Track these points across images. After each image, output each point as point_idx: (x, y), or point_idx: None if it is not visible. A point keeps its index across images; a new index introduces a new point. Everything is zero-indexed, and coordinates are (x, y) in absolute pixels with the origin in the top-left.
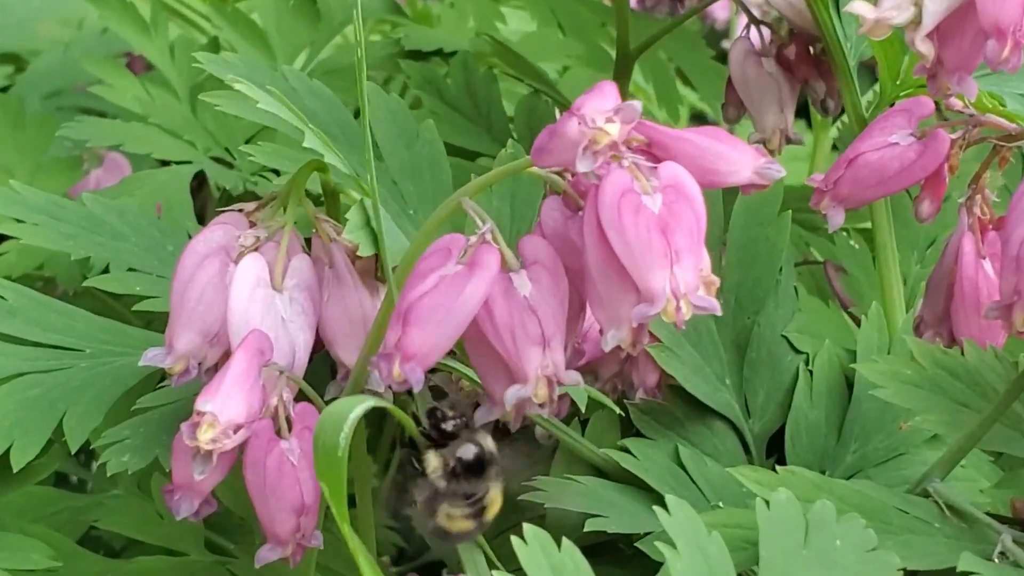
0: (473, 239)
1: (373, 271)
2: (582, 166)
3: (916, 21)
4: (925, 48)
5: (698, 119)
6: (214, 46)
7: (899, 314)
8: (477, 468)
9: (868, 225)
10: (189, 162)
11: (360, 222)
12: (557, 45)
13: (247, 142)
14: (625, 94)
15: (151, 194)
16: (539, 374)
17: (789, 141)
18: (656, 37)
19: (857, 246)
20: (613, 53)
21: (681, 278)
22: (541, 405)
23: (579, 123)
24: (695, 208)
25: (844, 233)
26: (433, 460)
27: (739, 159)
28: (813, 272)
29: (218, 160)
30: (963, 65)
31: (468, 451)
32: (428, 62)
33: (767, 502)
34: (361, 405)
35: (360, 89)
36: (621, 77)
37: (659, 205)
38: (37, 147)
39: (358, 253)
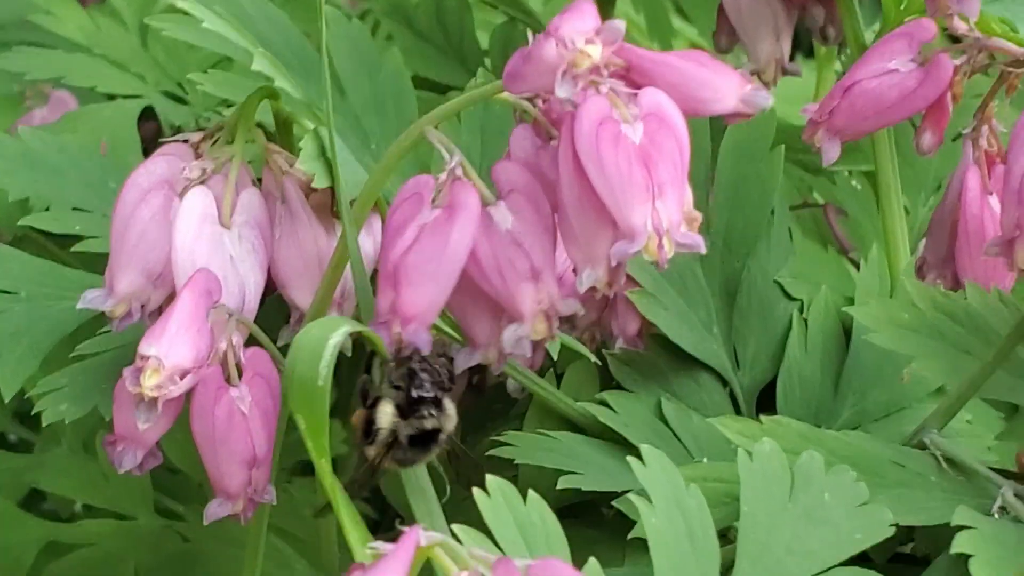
0: (443, 176)
1: (329, 206)
2: (561, 91)
3: None
4: None
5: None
6: None
7: (903, 259)
8: (424, 440)
9: (872, 168)
10: (137, 96)
11: (314, 152)
12: None
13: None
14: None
15: (95, 130)
16: (535, 309)
17: (785, 72)
18: None
19: (860, 187)
20: None
21: (664, 213)
22: (536, 349)
23: (557, 45)
24: (678, 138)
25: (847, 174)
26: (386, 414)
27: (724, 85)
28: (815, 216)
29: (170, 95)
30: None
31: (421, 425)
32: None
33: (750, 454)
34: (341, 328)
35: (319, 9)
36: (605, 5)
37: (640, 135)
38: None
39: (312, 185)
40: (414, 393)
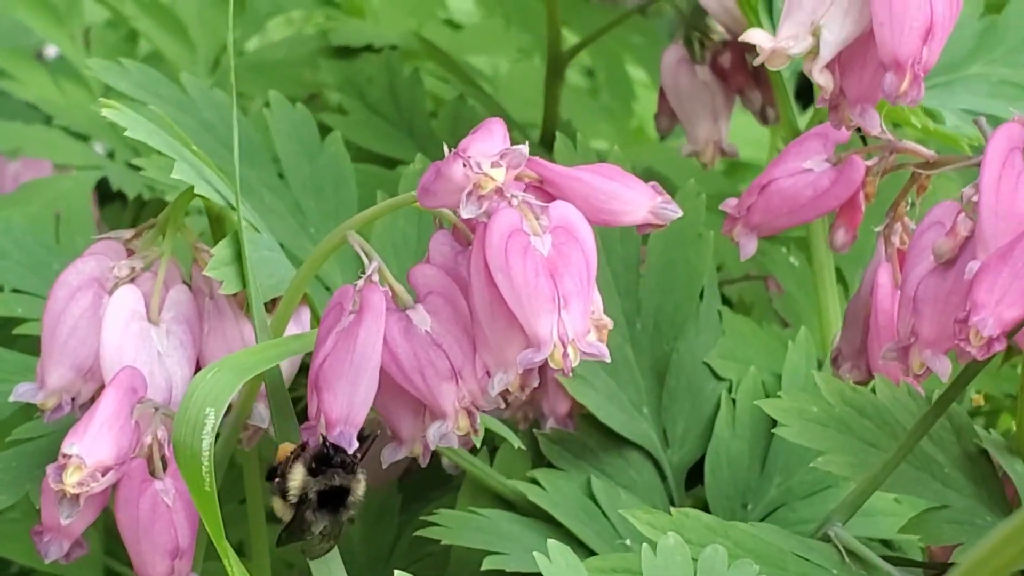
0: (360, 283)
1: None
2: (466, 212)
3: (814, 52)
4: (823, 80)
5: None
6: (131, 38)
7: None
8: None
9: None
10: (95, 167)
11: (227, 258)
12: (504, 36)
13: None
14: (557, 95)
15: (50, 202)
16: (457, 407)
17: (724, 153)
18: (594, 36)
19: (796, 262)
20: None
21: (569, 324)
22: (465, 435)
23: (464, 166)
24: (585, 250)
25: (783, 248)
26: (298, 471)
27: (634, 198)
28: (757, 287)
29: (132, 165)
30: (865, 96)
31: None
32: (358, 59)
33: (654, 547)
34: (220, 399)
35: (233, 107)
36: (552, 78)
37: (548, 247)
38: None
39: (220, 291)
40: (325, 450)
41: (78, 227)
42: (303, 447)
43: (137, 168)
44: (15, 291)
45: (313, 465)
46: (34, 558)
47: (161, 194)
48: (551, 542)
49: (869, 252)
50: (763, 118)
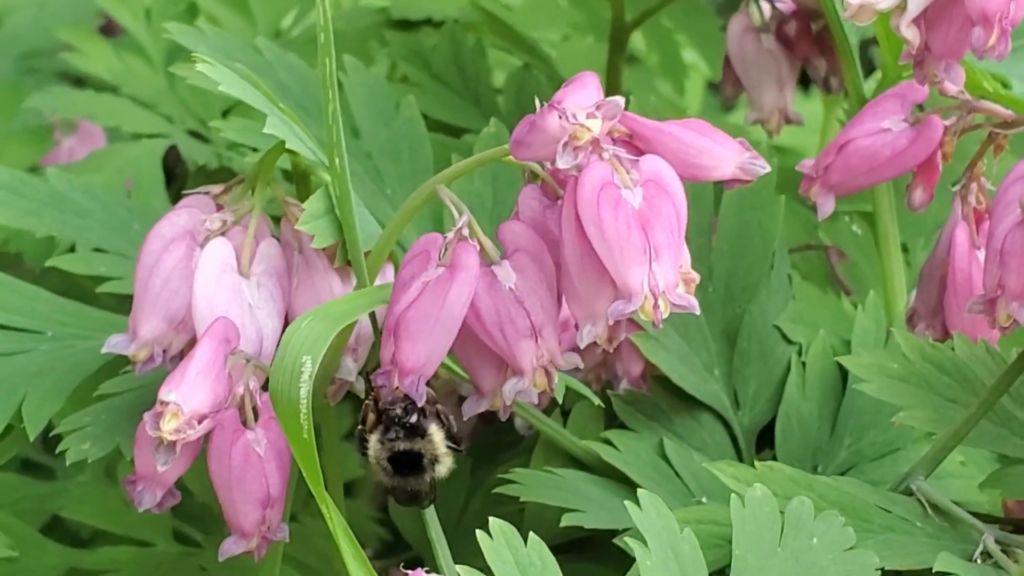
0: (451, 235)
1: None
2: (562, 163)
3: (901, 6)
4: (911, 34)
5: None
6: (191, 12)
7: (901, 302)
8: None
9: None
10: (162, 135)
11: (320, 210)
12: (556, 13)
13: (226, 114)
14: (619, 68)
15: (120, 169)
16: (535, 365)
17: (788, 121)
18: (655, 8)
19: (860, 231)
20: None
21: (660, 275)
22: (542, 393)
23: (560, 117)
24: (676, 203)
25: (846, 217)
26: (373, 439)
27: (722, 154)
28: (819, 256)
29: (194, 133)
30: (950, 52)
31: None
32: (416, 32)
33: (742, 499)
34: (318, 346)
35: (325, 70)
36: (615, 50)
37: (639, 200)
38: (5, 114)
39: (312, 244)
40: (387, 415)
41: (151, 191)
42: (378, 415)
43: (205, 140)
44: (98, 250)
45: (383, 431)
46: (105, 519)
47: (228, 161)
48: (641, 492)
49: (931, 221)
50: (827, 87)
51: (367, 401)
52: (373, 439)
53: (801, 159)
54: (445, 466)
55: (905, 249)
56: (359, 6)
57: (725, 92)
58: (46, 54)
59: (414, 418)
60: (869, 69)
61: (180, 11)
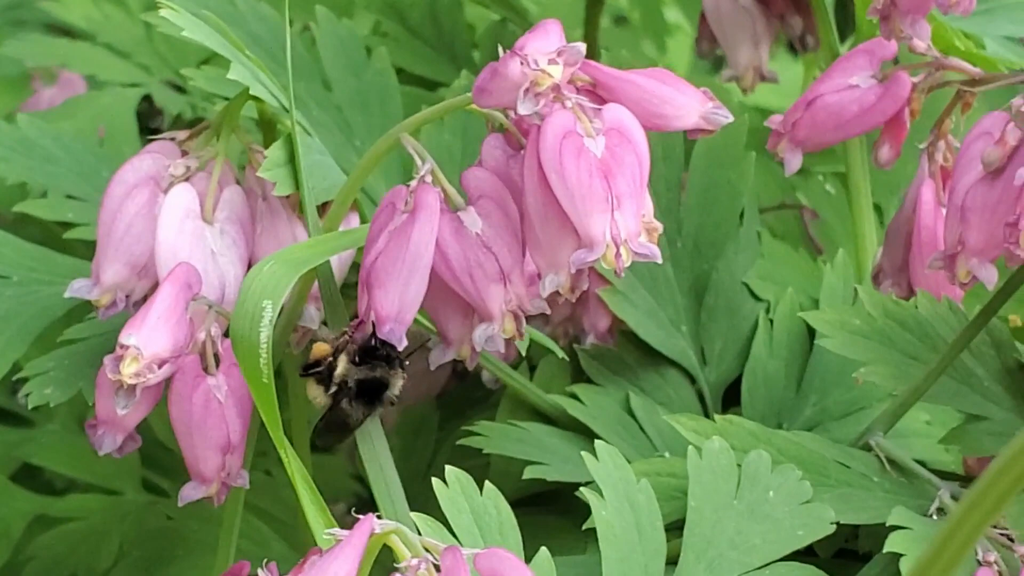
0: (414, 183)
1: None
2: (523, 108)
3: None
4: None
5: None
6: None
7: (871, 261)
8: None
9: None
10: (137, 84)
11: (280, 159)
12: None
13: (202, 64)
14: (597, 23)
15: (94, 117)
16: (504, 309)
17: (763, 78)
18: None
19: (833, 191)
20: None
21: (622, 224)
22: (508, 341)
23: (521, 63)
24: (638, 152)
25: (820, 177)
26: (342, 360)
27: (686, 103)
28: (794, 215)
29: (171, 84)
30: (916, 7)
31: (371, 373)
32: None
33: (699, 451)
34: (277, 292)
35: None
36: (594, 5)
37: (601, 148)
38: None
39: (273, 192)
40: (371, 343)
41: (123, 140)
42: (351, 339)
43: (180, 90)
44: (68, 197)
45: (357, 357)
46: (74, 467)
47: (203, 111)
48: (599, 443)
49: (904, 179)
50: (802, 45)
51: (343, 336)
52: (344, 361)
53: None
54: (386, 404)
55: (879, 209)
56: None
57: (701, 48)
58: (29, 4)
59: (393, 351)
60: (851, 28)
61: None
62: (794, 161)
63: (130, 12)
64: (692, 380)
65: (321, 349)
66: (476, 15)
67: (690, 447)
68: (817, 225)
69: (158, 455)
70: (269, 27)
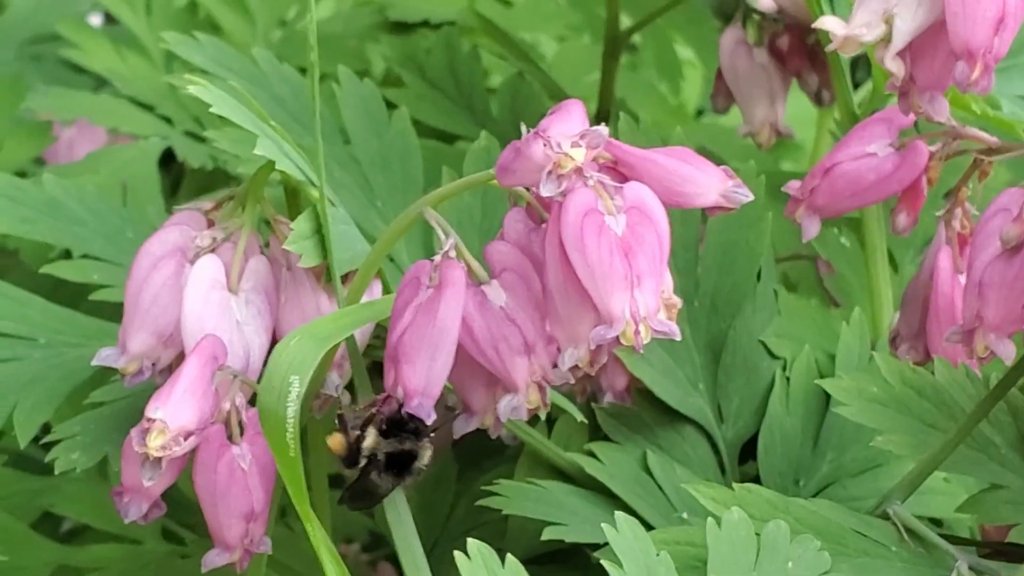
0: (438, 258)
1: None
2: (546, 190)
3: (886, 39)
4: (895, 67)
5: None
6: (191, 9)
7: (887, 317)
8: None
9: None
10: (160, 137)
11: (307, 231)
12: (553, 13)
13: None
14: (613, 74)
15: (117, 171)
16: (528, 381)
17: (779, 135)
18: (651, 17)
19: (848, 243)
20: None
21: (641, 302)
22: (535, 408)
23: (544, 146)
24: (659, 230)
25: (835, 229)
26: (371, 433)
27: (706, 181)
28: (809, 265)
29: (191, 134)
30: (934, 84)
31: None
32: (414, 34)
33: (719, 521)
34: (306, 365)
35: (312, 93)
36: (610, 59)
37: (622, 226)
38: (6, 108)
39: (299, 264)
40: (399, 416)
41: (145, 195)
42: (378, 411)
43: (202, 140)
44: (90, 257)
45: (385, 427)
46: (92, 515)
47: (224, 164)
48: (618, 514)
49: (920, 235)
50: (818, 100)
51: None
52: (372, 433)
53: (795, 153)
54: (416, 476)
55: (893, 261)
56: (358, 6)
57: (717, 104)
58: (50, 40)
59: (421, 424)
60: (866, 72)
61: (180, 8)
62: (812, 228)
63: (153, 62)
64: (709, 437)
65: (338, 442)
66: (490, 62)
67: (709, 519)
68: (832, 280)
69: (179, 504)
70: (292, 88)
